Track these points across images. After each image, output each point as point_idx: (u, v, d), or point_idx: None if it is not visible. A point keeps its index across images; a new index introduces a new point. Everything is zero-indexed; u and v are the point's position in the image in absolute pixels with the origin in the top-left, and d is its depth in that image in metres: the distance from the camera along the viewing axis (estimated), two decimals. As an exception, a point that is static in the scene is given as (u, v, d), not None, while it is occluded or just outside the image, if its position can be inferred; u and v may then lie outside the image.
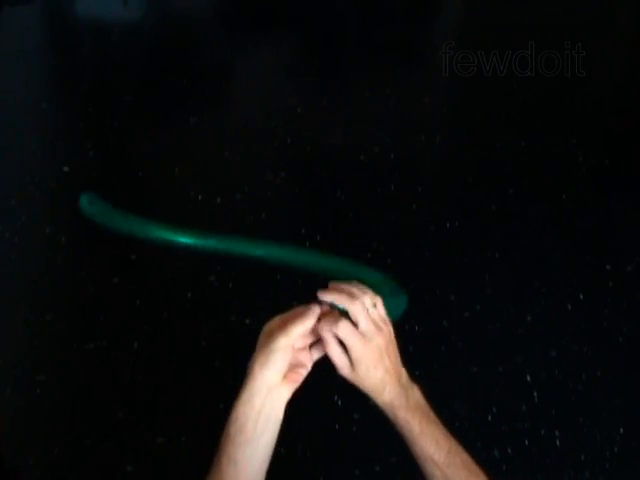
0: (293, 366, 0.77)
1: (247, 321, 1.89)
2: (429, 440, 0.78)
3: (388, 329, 0.79)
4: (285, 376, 0.75)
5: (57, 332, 1.97)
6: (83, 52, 3.12)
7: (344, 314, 0.76)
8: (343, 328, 0.75)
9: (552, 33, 3.00)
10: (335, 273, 1.08)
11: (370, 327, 0.76)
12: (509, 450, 1.66)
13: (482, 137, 2.61)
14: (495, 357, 1.86)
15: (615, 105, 2.85)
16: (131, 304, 2.01)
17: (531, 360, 1.88)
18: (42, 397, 1.80)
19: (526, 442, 1.68)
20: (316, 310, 0.76)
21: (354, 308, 0.76)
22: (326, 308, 0.78)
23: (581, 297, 2.05)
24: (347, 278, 0.81)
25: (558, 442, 1.71)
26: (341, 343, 0.76)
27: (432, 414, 0.81)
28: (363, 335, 0.76)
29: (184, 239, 1.20)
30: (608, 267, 2.14)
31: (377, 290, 0.80)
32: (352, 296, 0.76)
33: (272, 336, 0.74)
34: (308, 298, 0.78)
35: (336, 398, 1.78)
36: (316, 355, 0.80)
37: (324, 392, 1.81)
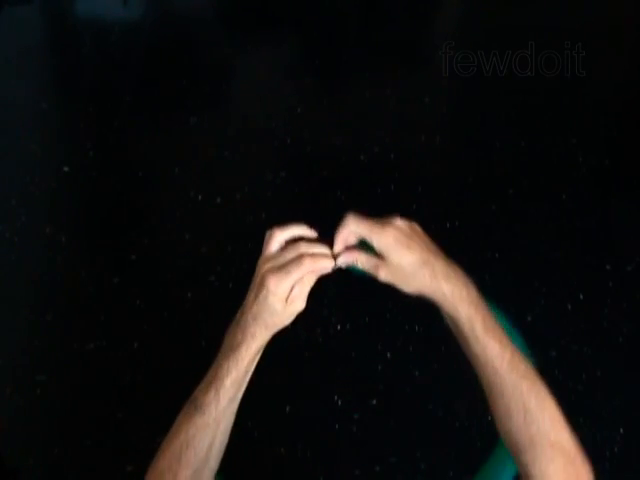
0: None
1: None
2: (492, 340, 0.70)
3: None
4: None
5: (57, 332, 1.98)
6: (83, 52, 3.11)
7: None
8: (353, 225, 0.72)
9: (552, 33, 3.00)
10: None
11: (381, 219, 0.73)
12: (509, 450, 1.66)
13: (482, 137, 2.61)
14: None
15: (615, 105, 2.84)
16: (131, 304, 2.01)
17: (531, 360, 1.88)
18: (42, 397, 1.80)
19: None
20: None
21: (350, 218, 0.73)
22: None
23: (581, 297, 2.05)
24: None
25: (558, 442, 1.71)
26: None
27: (491, 314, 0.73)
28: (375, 223, 0.72)
29: None
30: (608, 267, 2.14)
31: None
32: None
33: (292, 303, 0.72)
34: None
35: (336, 398, 1.79)
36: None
37: (324, 392, 1.82)
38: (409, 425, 1.74)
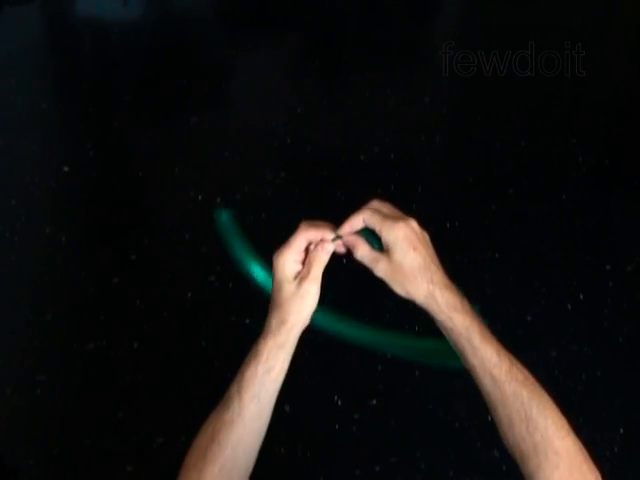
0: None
1: (247, 321, 1.89)
2: (490, 350, 0.70)
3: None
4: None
5: (57, 332, 1.98)
6: (83, 52, 3.12)
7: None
8: (367, 213, 0.73)
9: (552, 33, 3.00)
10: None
11: (394, 211, 0.74)
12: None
13: (482, 137, 2.61)
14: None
15: (615, 105, 2.84)
16: (131, 304, 2.01)
17: (531, 360, 1.88)
18: (42, 397, 1.80)
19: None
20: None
21: (372, 204, 0.75)
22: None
23: (581, 297, 2.05)
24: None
25: (558, 442, 1.71)
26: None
27: (486, 325, 0.73)
28: (389, 216, 0.73)
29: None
30: (608, 267, 2.14)
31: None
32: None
33: (300, 285, 0.72)
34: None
35: (336, 398, 1.79)
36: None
37: (324, 392, 1.82)
38: (409, 425, 1.74)
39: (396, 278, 0.72)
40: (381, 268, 0.72)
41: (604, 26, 3.18)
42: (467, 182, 2.43)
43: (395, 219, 0.72)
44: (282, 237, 0.75)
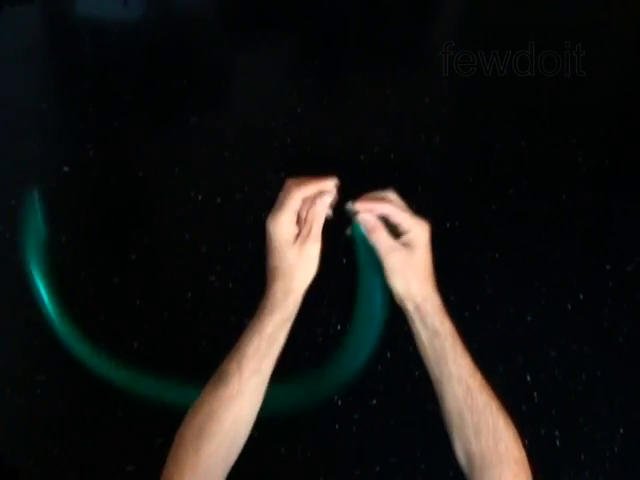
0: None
1: (247, 321, 1.89)
2: (468, 360, 0.73)
3: None
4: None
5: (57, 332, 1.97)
6: (83, 52, 3.11)
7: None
8: (397, 204, 0.72)
9: (552, 33, 3.00)
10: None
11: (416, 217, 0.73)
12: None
13: (482, 137, 2.61)
14: (495, 357, 1.86)
15: (615, 105, 2.84)
16: (131, 304, 2.01)
17: (531, 360, 1.88)
18: (42, 397, 1.80)
19: (526, 442, 1.68)
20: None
21: (390, 195, 0.73)
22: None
23: (581, 297, 2.04)
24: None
25: (558, 442, 1.71)
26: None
27: None
28: (413, 214, 0.72)
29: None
30: (608, 267, 2.14)
31: None
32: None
33: (302, 247, 0.70)
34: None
35: (336, 398, 1.78)
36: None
37: (324, 392, 1.81)
38: (409, 425, 1.74)
39: (405, 273, 0.72)
40: (395, 259, 0.71)
41: (604, 26, 3.18)
42: (467, 182, 2.43)
43: (421, 219, 0.72)
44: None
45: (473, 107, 2.76)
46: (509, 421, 0.73)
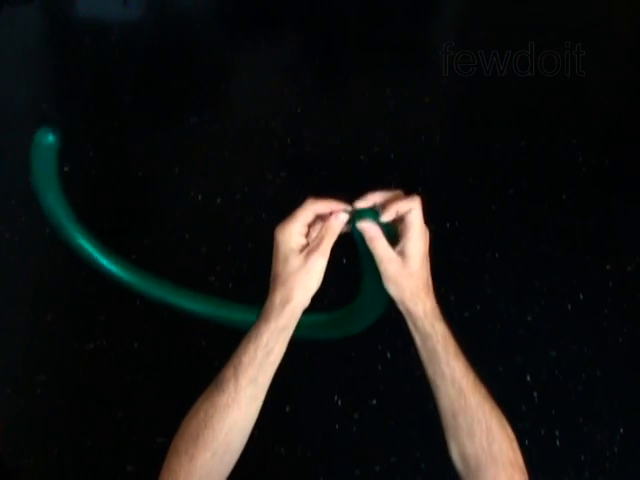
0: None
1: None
2: (461, 361, 0.72)
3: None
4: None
5: (57, 332, 1.97)
6: (83, 52, 3.11)
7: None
8: (417, 203, 0.71)
9: (552, 33, 3.00)
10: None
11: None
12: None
13: (482, 137, 2.61)
14: (495, 357, 1.86)
15: (615, 105, 2.85)
16: (131, 304, 2.00)
17: (531, 360, 1.88)
18: (42, 397, 1.80)
19: (526, 442, 1.68)
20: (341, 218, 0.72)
21: (415, 200, 0.72)
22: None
23: (581, 297, 2.05)
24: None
25: (558, 442, 1.71)
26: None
27: None
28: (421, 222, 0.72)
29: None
30: (608, 267, 2.14)
31: None
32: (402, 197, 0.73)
33: (307, 258, 0.70)
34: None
35: (336, 398, 1.79)
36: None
37: (324, 392, 1.82)
38: (409, 425, 1.74)
39: (399, 282, 0.72)
40: (391, 268, 0.71)
41: (604, 26, 3.18)
42: (467, 182, 2.43)
43: (425, 228, 0.72)
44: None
45: (473, 107, 2.77)
46: (504, 422, 0.73)
